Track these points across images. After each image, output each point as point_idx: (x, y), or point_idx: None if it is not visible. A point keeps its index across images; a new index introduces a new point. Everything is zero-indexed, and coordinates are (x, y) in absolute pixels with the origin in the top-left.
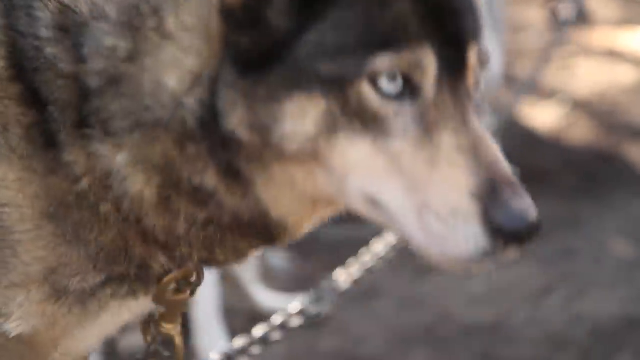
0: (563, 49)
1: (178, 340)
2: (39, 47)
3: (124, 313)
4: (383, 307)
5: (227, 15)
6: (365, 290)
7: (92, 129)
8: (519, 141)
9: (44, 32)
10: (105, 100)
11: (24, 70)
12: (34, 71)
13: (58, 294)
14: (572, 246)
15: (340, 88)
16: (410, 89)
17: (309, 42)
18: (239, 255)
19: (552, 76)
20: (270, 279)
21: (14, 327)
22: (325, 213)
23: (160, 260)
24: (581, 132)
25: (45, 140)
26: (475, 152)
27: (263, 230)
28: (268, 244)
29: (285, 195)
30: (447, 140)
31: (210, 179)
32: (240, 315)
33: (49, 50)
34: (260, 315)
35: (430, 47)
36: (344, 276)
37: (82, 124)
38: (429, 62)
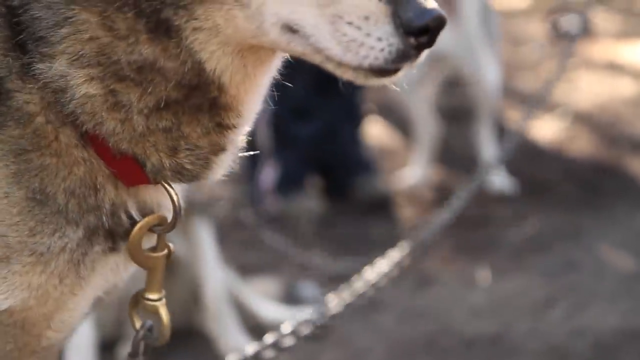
0: (564, 62)
1: (163, 312)
2: None
3: (109, 275)
4: (384, 319)
5: None
6: (366, 302)
7: (31, 53)
8: (521, 153)
9: None
10: (29, 11)
11: None
12: None
13: (43, 260)
14: (573, 258)
15: None
16: None
17: None
18: (205, 161)
19: (554, 89)
20: (299, 308)
21: (1, 300)
22: (258, 75)
23: (128, 209)
24: (582, 144)
25: None
26: None
27: (206, 97)
28: (221, 127)
29: (212, 42)
30: None
31: (145, 48)
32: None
33: None
34: (263, 328)
35: None
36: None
37: (22, 52)
38: None
